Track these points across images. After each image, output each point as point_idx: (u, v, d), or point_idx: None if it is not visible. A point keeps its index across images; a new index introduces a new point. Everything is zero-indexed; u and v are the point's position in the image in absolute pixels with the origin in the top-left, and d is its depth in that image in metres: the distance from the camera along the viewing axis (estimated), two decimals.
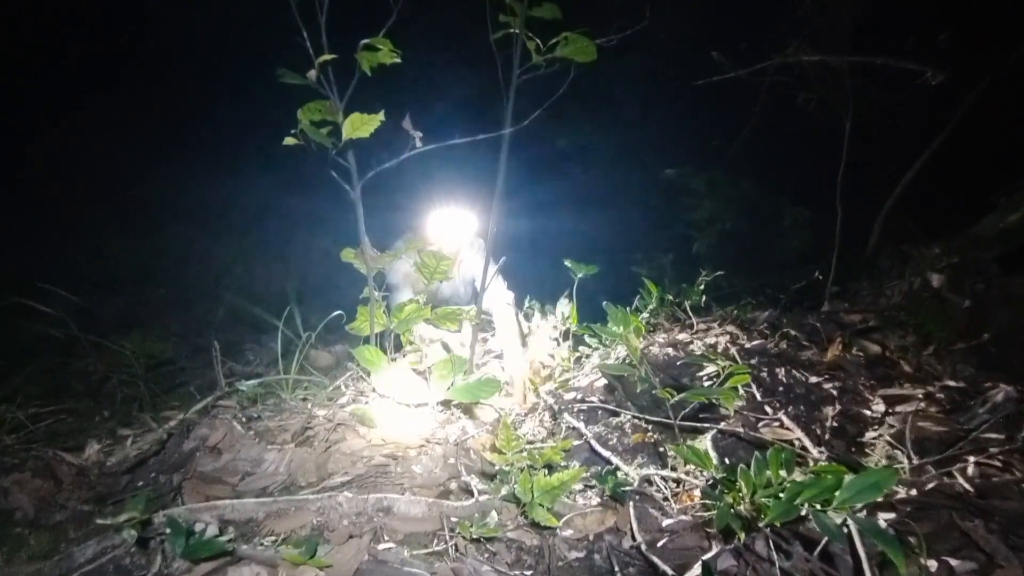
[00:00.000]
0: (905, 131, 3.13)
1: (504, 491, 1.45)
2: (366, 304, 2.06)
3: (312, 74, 1.50)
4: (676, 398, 1.46)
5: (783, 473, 1.18)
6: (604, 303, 1.66)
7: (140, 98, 5.50)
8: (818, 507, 1.02)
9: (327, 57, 1.46)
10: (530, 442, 1.81)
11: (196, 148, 5.33)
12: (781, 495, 1.10)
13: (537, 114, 1.89)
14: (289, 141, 1.61)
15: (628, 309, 1.98)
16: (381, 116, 1.51)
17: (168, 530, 1.17)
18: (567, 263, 2.32)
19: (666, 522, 1.43)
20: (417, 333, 2.31)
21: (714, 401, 1.69)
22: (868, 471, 1.02)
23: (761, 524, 1.08)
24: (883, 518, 1.36)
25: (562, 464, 1.58)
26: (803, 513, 1.13)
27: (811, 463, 1.53)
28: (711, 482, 1.32)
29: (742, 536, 1.17)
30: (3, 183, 4.86)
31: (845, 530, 1.01)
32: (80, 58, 5.34)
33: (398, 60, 1.51)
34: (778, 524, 1.08)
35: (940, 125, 2.92)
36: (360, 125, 1.50)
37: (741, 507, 1.16)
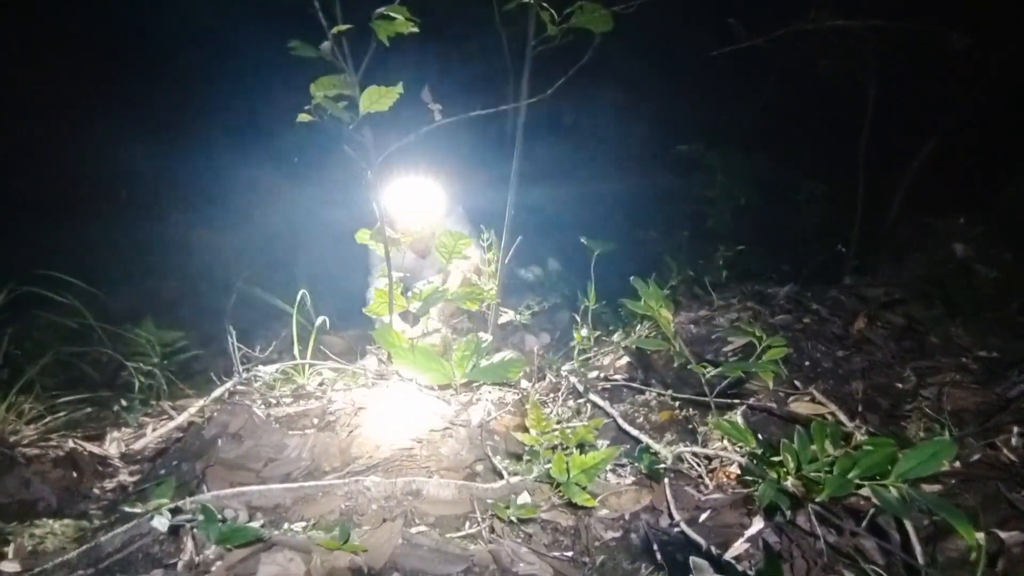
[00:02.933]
0: (926, 99, 3.05)
1: (536, 472, 1.42)
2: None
3: (326, 46, 1.44)
4: (712, 373, 1.42)
5: (829, 447, 1.15)
6: (632, 278, 1.61)
7: (142, 86, 5.42)
8: (873, 481, 0.99)
9: (342, 28, 1.40)
10: (558, 422, 1.77)
11: (201, 136, 5.26)
12: (829, 470, 1.06)
13: (560, 83, 1.83)
14: (303, 118, 1.56)
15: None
16: (400, 88, 1.46)
17: (201, 517, 1.14)
18: (583, 240, 2.27)
19: (703, 499, 1.40)
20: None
21: (751, 374, 1.66)
22: (926, 443, 0.99)
23: (817, 499, 1.05)
24: (928, 491, 1.33)
25: (593, 443, 1.55)
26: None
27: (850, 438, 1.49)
28: (751, 458, 1.28)
29: (788, 512, 1.13)
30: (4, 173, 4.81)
31: (907, 504, 0.97)
32: (81, 49, 5.25)
33: (415, 29, 1.45)
34: (826, 499, 1.05)
35: (964, 92, 2.84)
36: (378, 98, 1.44)
37: (787, 483, 1.13)
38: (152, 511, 1.20)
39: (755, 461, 1.23)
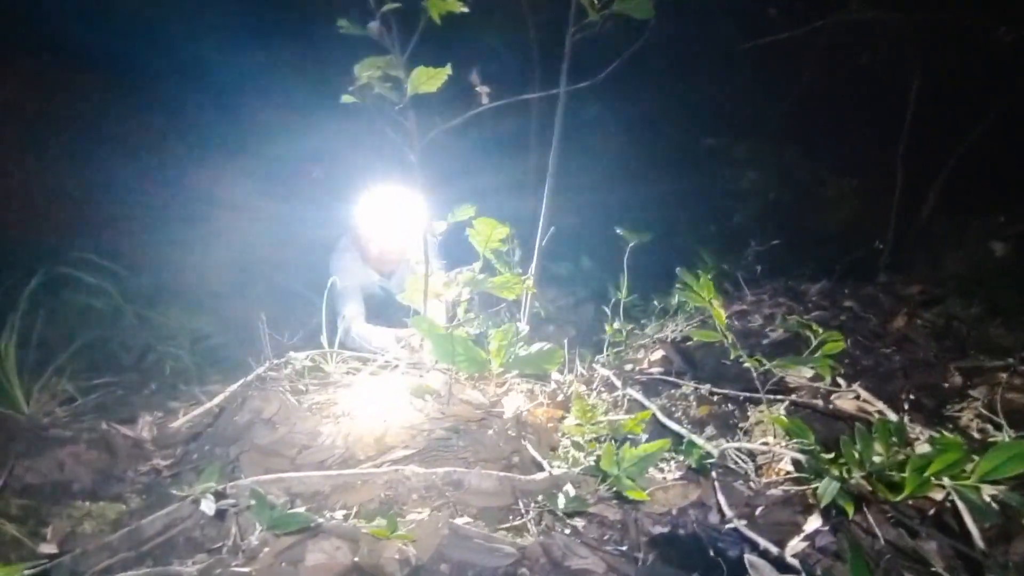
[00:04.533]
0: (964, 93, 2.98)
1: (583, 464, 1.39)
2: None
3: (374, 25, 1.40)
4: (766, 367, 1.38)
5: (894, 446, 1.11)
6: (678, 269, 1.58)
7: (158, 76, 5.42)
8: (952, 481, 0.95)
9: (392, 5, 1.37)
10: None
11: (222, 126, 5.25)
12: (899, 468, 1.03)
13: (613, 68, 1.79)
14: (347, 99, 1.53)
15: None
16: (448, 70, 1.42)
17: (252, 501, 1.12)
18: (618, 230, 2.23)
19: (753, 496, 1.37)
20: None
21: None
22: (1007, 444, 0.95)
23: (893, 499, 1.01)
24: (987, 492, 1.29)
25: (639, 436, 1.52)
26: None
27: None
28: (810, 455, 1.25)
29: (851, 512, 1.10)
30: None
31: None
32: (102, 37, 5.27)
33: (465, 9, 1.41)
34: (901, 499, 1.01)
35: (1006, 87, 2.77)
36: (426, 80, 1.41)
37: (852, 481, 1.09)
38: (200, 494, 1.18)
39: (813, 458, 1.19)
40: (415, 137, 1.57)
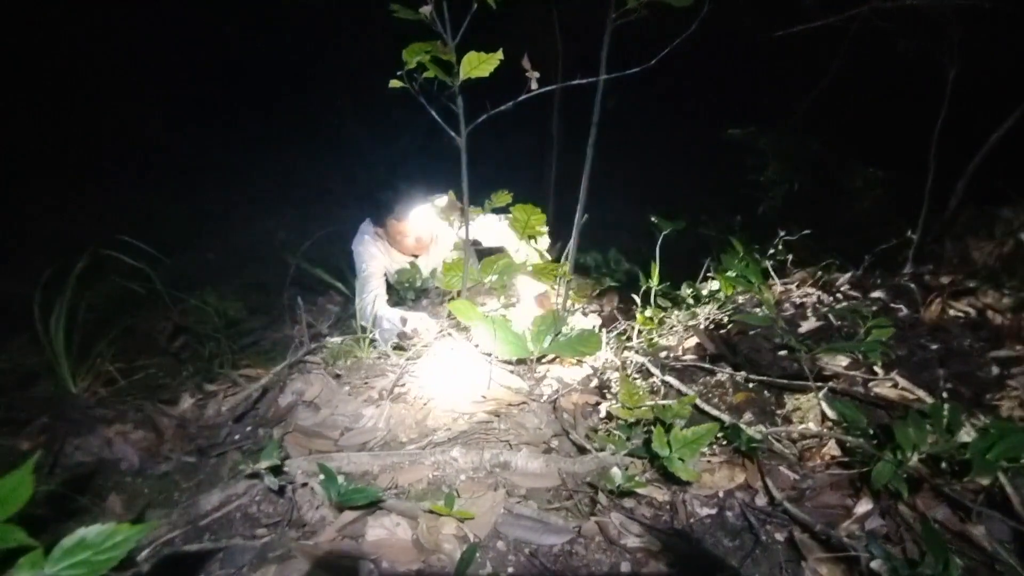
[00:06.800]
0: (997, 82, 2.94)
1: (630, 445, 1.41)
2: None
3: (426, 9, 1.41)
4: (813, 351, 1.39)
5: (949, 430, 1.12)
6: (721, 255, 1.58)
7: (181, 63, 5.45)
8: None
9: None
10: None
11: (248, 116, 5.29)
12: (947, 453, 1.04)
13: (663, 55, 1.79)
14: (395, 84, 1.54)
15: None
16: (500, 55, 1.43)
17: (320, 476, 1.14)
18: (653, 219, 2.24)
19: (799, 479, 1.39)
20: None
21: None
22: None
23: (953, 483, 1.02)
24: None
25: (686, 419, 1.53)
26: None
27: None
28: (865, 438, 1.26)
29: (905, 494, 1.11)
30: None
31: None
32: (123, 29, 5.31)
33: None
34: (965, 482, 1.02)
35: None
36: (478, 64, 1.41)
37: (910, 464, 1.11)
38: (264, 471, 1.20)
39: (866, 442, 1.20)
40: (463, 121, 1.58)
